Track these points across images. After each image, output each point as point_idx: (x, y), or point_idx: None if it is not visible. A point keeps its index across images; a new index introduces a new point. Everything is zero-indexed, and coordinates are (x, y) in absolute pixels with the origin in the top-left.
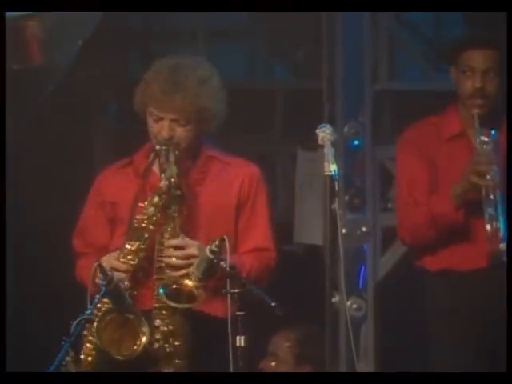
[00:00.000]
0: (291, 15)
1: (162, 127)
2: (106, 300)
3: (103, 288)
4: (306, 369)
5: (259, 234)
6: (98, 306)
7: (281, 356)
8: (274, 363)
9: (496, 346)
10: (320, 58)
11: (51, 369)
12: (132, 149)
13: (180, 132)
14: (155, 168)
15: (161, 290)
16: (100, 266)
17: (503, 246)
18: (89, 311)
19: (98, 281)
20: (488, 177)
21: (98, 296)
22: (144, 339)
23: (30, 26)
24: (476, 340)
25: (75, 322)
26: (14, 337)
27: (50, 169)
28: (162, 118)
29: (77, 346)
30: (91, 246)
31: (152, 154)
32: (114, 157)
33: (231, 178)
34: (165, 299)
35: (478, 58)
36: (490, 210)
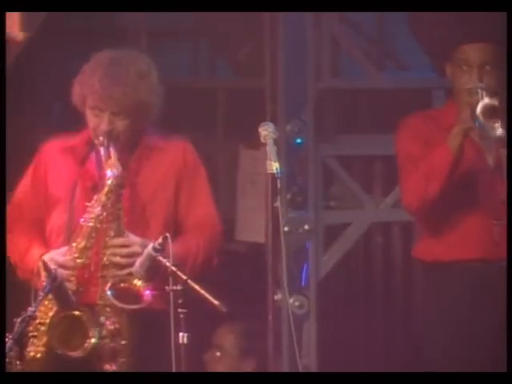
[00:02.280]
0: (234, 15)
1: (101, 120)
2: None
3: (47, 286)
4: (251, 361)
5: (202, 210)
6: (45, 303)
7: (225, 347)
8: (218, 353)
9: (494, 341)
10: (262, 57)
11: None
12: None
13: (119, 125)
14: (92, 156)
15: (108, 292)
16: (44, 263)
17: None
18: (33, 308)
19: (42, 276)
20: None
21: (41, 293)
22: (93, 340)
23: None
24: (470, 334)
25: (19, 319)
26: None
27: None
28: (101, 112)
29: (21, 343)
30: (28, 222)
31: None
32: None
33: (166, 162)
34: (112, 300)
35: (473, 52)
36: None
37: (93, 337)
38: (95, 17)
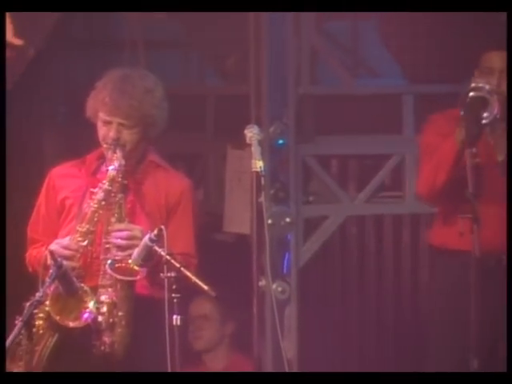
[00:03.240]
0: (222, 27)
1: (109, 129)
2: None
3: (54, 273)
4: (231, 325)
5: (184, 241)
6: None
7: (206, 314)
8: (201, 321)
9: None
10: (247, 66)
11: (7, 346)
12: (81, 148)
13: (126, 134)
14: (104, 168)
15: (109, 262)
16: (51, 252)
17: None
18: (40, 293)
19: (49, 262)
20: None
21: (48, 280)
22: (91, 304)
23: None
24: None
25: (28, 304)
26: None
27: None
28: (110, 122)
29: (29, 325)
30: (43, 236)
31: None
32: (64, 156)
33: (167, 185)
34: (110, 271)
35: (496, 59)
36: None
37: (90, 302)
38: (97, 29)
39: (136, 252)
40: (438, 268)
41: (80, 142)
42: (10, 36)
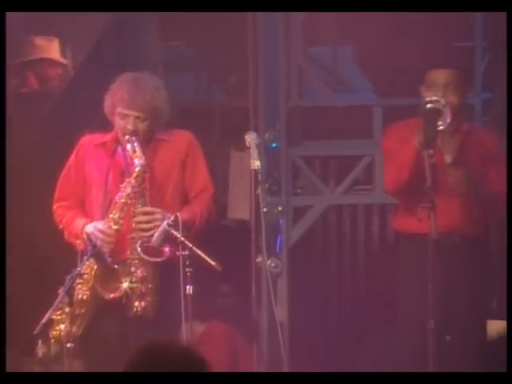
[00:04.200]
0: (225, 52)
1: (127, 122)
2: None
3: (90, 251)
4: (227, 287)
5: (201, 178)
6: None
7: None
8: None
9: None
10: (246, 83)
11: (49, 312)
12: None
13: (141, 126)
14: (119, 150)
15: (138, 249)
16: (87, 234)
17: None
18: (79, 268)
19: (85, 237)
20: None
21: (85, 257)
22: (126, 284)
23: (47, 46)
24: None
25: (69, 277)
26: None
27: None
28: (127, 115)
29: (70, 295)
30: (70, 196)
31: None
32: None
33: (173, 149)
34: (142, 255)
35: (440, 75)
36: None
37: (125, 282)
38: (124, 53)
39: (156, 234)
40: (402, 248)
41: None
42: (58, 56)
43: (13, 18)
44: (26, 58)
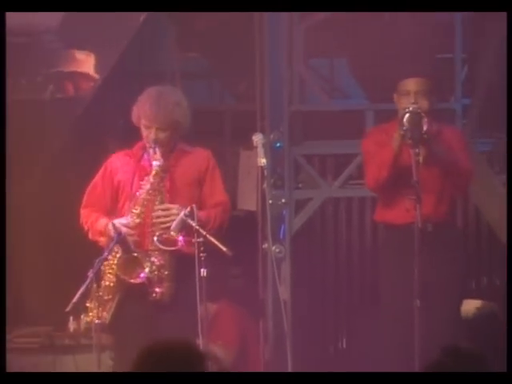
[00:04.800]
0: (235, 62)
1: (150, 132)
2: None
3: (115, 238)
4: (240, 281)
5: (218, 193)
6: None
7: None
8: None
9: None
10: (254, 90)
11: (80, 291)
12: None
13: (162, 136)
14: (146, 156)
15: (155, 239)
16: (113, 224)
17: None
18: (106, 253)
19: (111, 233)
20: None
21: (111, 244)
22: (147, 269)
23: (84, 60)
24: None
25: (97, 260)
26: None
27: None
28: (150, 127)
29: (98, 277)
30: (95, 203)
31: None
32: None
33: (195, 161)
34: (158, 245)
35: (411, 84)
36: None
37: (146, 268)
38: (146, 63)
39: (174, 223)
40: (385, 237)
41: (133, 142)
42: (93, 71)
43: (50, 31)
44: (65, 69)
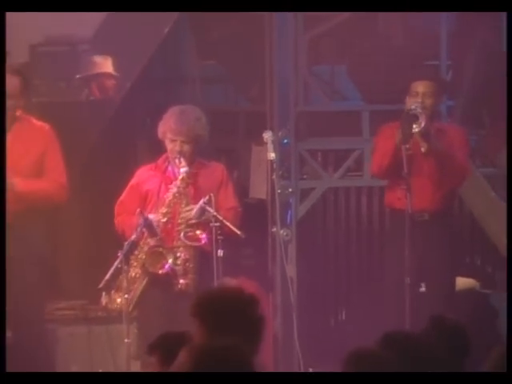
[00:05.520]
0: (248, 68)
1: (175, 145)
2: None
3: (143, 223)
4: (251, 261)
5: (231, 200)
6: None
7: None
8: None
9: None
10: (264, 93)
11: (111, 270)
12: (157, 144)
13: (186, 147)
14: (170, 168)
15: (181, 235)
16: (140, 212)
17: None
18: (134, 235)
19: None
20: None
21: (139, 228)
22: (170, 261)
23: (108, 65)
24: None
25: (127, 242)
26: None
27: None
28: (175, 140)
29: (128, 260)
30: (125, 211)
31: (167, 161)
32: (149, 156)
33: (212, 173)
34: (183, 239)
35: (419, 86)
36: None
37: (169, 259)
38: (169, 69)
39: (194, 210)
40: (390, 220)
41: (157, 139)
42: (112, 70)
43: (85, 41)
44: (90, 73)
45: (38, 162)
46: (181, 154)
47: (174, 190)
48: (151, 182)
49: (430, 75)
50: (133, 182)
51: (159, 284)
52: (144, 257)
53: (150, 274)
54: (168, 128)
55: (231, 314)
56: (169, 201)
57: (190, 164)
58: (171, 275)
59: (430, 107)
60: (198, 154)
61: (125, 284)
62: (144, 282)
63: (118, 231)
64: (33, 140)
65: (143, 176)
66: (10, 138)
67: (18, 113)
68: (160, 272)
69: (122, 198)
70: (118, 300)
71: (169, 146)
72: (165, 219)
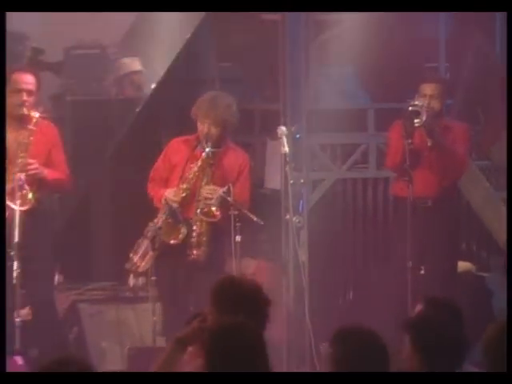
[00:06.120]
0: (263, 70)
1: (204, 127)
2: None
3: (166, 210)
4: (263, 235)
5: (246, 194)
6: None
7: None
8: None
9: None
10: (278, 93)
11: (137, 252)
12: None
13: (214, 131)
14: (198, 147)
15: (198, 210)
16: (165, 198)
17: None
18: (156, 220)
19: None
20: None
21: (162, 215)
22: (183, 231)
23: (136, 64)
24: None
25: (151, 223)
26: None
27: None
28: (204, 122)
29: (153, 238)
30: (157, 178)
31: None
32: (177, 134)
33: (237, 159)
34: (200, 215)
35: (427, 88)
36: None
37: (182, 233)
38: (191, 69)
39: (214, 201)
40: (394, 207)
41: (184, 132)
42: (140, 67)
43: (113, 45)
44: (121, 72)
45: (47, 156)
46: (208, 135)
47: (195, 168)
48: (179, 155)
49: (437, 78)
50: (165, 151)
51: (173, 253)
52: (163, 229)
53: (166, 244)
54: (199, 110)
55: (242, 300)
56: (190, 178)
57: (216, 146)
58: (184, 246)
59: (437, 107)
60: (228, 138)
61: (138, 258)
62: (158, 251)
63: (149, 195)
64: (44, 135)
65: (173, 147)
66: (25, 134)
67: (32, 110)
68: (174, 242)
69: (155, 165)
70: (128, 266)
71: (199, 127)
72: (184, 194)
